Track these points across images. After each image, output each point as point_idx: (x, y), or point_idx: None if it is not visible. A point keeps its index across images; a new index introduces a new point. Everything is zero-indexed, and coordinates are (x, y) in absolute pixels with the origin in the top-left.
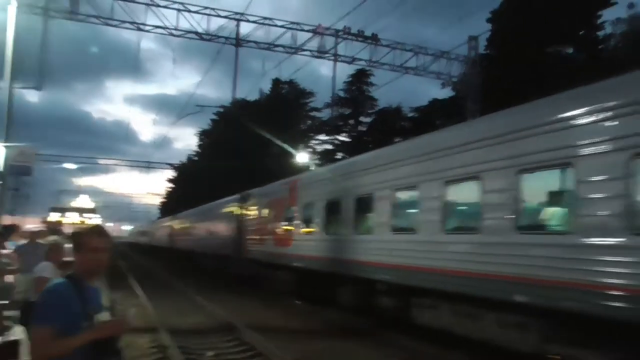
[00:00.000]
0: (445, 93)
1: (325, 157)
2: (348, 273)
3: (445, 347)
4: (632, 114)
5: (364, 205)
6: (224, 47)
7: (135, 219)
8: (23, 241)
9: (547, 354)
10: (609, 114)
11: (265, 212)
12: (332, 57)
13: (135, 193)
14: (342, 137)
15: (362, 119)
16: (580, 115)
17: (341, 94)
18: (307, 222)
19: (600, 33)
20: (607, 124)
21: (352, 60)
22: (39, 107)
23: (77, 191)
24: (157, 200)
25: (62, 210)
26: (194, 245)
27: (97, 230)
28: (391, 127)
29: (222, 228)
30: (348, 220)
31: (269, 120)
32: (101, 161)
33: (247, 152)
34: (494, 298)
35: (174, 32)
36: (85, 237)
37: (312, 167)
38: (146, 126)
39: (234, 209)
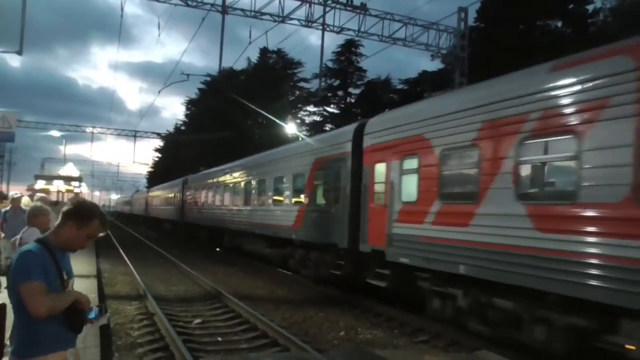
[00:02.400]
0: (435, 65)
1: (314, 129)
2: (225, 227)
3: (416, 314)
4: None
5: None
6: (209, 14)
7: (122, 188)
8: (5, 208)
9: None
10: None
11: (200, 191)
12: (320, 27)
13: (122, 162)
14: (331, 109)
15: (350, 90)
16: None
17: (329, 64)
18: (210, 199)
19: (590, 7)
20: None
21: (340, 30)
22: (21, 73)
23: (63, 159)
24: (144, 170)
25: (48, 178)
26: (158, 213)
27: (105, 220)
28: (380, 98)
29: (172, 201)
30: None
31: (257, 90)
32: (87, 129)
33: (235, 121)
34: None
35: None
36: (95, 222)
37: (301, 138)
38: (133, 94)
39: (179, 187)
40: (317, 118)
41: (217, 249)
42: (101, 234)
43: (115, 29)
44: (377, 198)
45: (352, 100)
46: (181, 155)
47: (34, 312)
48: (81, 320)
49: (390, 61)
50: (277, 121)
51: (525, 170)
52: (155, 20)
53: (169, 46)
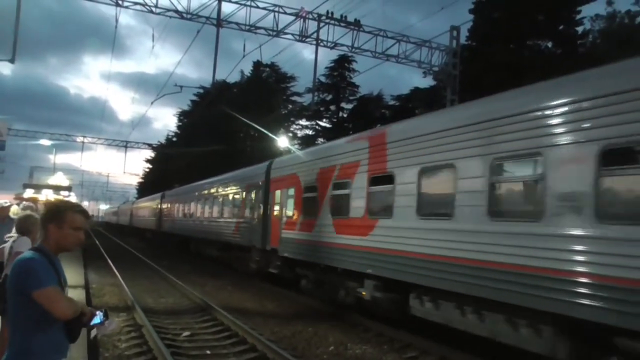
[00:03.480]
0: (427, 82)
1: (306, 143)
2: (191, 236)
3: (408, 330)
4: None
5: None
6: (204, 26)
7: (112, 198)
8: None
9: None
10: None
11: (173, 204)
12: (314, 42)
13: (112, 172)
14: (323, 123)
15: (343, 105)
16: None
17: (323, 79)
18: (180, 212)
19: (579, 29)
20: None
21: (333, 45)
22: (12, 81)
23: (52, 168)
24: (135, 180)
25: (37, 187)
26: (140, 223)
27: (80, 208)
28: (372, 114)
29: (152, 212)
30: (189, 213)
31: (250, 103)
32: (78, 139)
33: (227, 134)
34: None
35: (153, 9)
36: (69, 213)
37: (293, 152)
38: (124, 104)
39: (158, 200)
40: (310, 132)
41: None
42: (85, 220)
43: (108, 39)
44: (275, 214)
45: (345, 115)
46: (172, 166)
47: (61, 314)
48: (80, 330)
49: (383, 77)
50: (269, 134)
51: (333, 199)
52: (149, 31)
53: (163, 57)
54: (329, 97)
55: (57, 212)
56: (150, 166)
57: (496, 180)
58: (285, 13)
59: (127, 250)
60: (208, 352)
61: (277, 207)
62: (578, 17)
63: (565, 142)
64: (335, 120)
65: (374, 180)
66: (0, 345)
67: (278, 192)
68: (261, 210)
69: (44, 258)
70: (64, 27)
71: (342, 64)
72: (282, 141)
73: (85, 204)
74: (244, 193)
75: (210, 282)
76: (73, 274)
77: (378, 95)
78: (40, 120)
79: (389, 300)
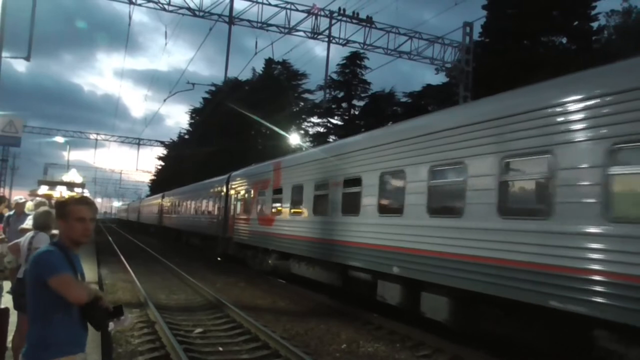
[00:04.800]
0: (440, 78)
1: (318, 140)
2: (182, 230)
3: (420, 328)
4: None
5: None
6: (216, 24)
7: (125, 195)
8: (9, 212)
9: None
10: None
11: (169, 203)
12: (326, 39)
13: (125, 169)
14: (335, 120)
15: (355, 102)
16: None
17: (334, 76)
18: (175, 210)
19: (594, 24)
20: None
21: (345, 42)
22: (27, 78)
23: (66, 165)
24: (147, 177)
25: (51, 183)
26: (146, 219)
27: (83, 199)
28: (384, 111)
29: (154, 209)
30: (180, 211)
31: (261, 100)
32: (91, 136)
33: (239, 131)
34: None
35: (166, 6)
36: (71, 206)
37: (305, 149)
38: (137, 101)
39: (159, 200)
40: (321, 129)
41: (219, 259)
42: (89, 210)
43: (121, 37)
44: (232, 212)
45: (356, 112)
46: (184, 164)
47: (76, 297)
48: (101, 314)
49: (396, 73)
50: (281, 132)
51: (258, 201)
52: (162, 29)
53: (175, 55)
54: (341, 95)
55: (62, 206)
56: (163, 163)
57: (316, 194)
58: (297, 10)
59: (138, 246)
60: (220, 348)
61: (231, 207)
62: (593, 12)
63: (368, 170)
64: (347, 117)
65: (275, 191)
66: (19, 340)
67: (233, 196)
68: (222, 209)
69: (60, 251)
70: (77, 24)
71: (353, 61)
72: (294, 139)
73: (98, 200)
74: (214, 196)
75: (222, 279)
76: (86, 271)
77: (390, 92)
78: (54, 117)
79: (282, 265)
